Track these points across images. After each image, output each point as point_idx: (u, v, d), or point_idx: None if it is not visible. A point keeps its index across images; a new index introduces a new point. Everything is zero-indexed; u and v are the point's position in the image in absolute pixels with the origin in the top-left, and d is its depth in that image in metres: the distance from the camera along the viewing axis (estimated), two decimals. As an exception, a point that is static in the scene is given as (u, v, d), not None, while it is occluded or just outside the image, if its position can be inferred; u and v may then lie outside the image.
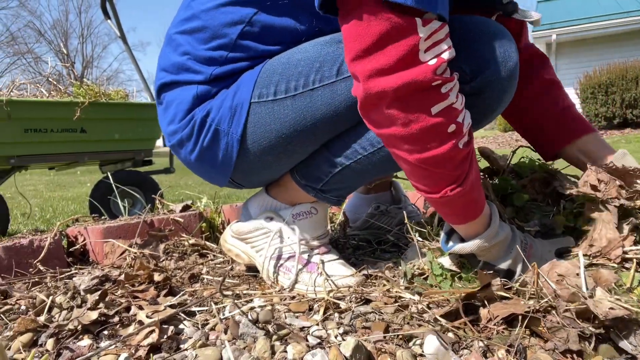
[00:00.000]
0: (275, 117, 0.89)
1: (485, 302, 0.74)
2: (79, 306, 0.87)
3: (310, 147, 0.94)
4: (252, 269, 1.13)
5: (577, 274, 0.77)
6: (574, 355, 0.62)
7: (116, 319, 0.82)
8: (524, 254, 0.86)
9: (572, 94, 10.59)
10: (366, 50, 0.69)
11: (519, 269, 0.87)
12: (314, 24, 0.89)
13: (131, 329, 0.78)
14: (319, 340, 0.71)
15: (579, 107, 10.18)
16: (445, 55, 0.69)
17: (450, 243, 0.88)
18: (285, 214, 1.03)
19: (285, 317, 0.80)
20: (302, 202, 1.03)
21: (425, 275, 0.92)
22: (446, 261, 0.90)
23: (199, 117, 0.93)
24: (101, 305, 0.85)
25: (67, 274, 1.18)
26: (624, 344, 0.63)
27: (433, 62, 0.68)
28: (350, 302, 0.85)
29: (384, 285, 0.93)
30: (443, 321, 0.73)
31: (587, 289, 0.73)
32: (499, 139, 9.63)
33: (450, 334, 0.69)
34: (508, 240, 0.86)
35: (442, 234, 0.92)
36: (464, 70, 0.79)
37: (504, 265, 0.86)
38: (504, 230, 0.86)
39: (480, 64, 0.80)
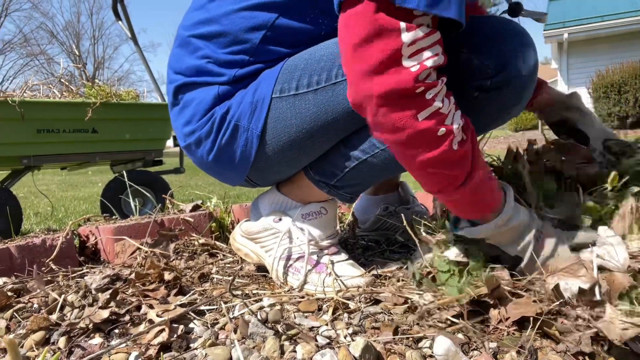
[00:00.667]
0: (296, 112, 0.89)
1: (497, 302, 0.73)
2: (91, 305, 0.87)
3: (328, 142, 0.94)
4: (261, 269, 1.13)
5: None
6: (586, 358, 0.62)
7: (127, 317, 0.82)
8: (536, 243, 0.84)
9: (585, 94, 10.47)
10: (352, 52, 0.69)
11: (526, 257, 0.84)
12: (334, 26, 0.90)
13: (142, 328, 0.78)
14: (328, 341, 0.71)
15: (591, 106, 10.07)
16: (429, 63, 0.69)
17: (462, 224, 0.88)
18: (295, 214, 1.03)
19: (295, 317, 0.80)
20: (313, 201, 1.03)
21: (432, 275, 0.91)
22: (452, 253, 0.89)
23: (218, 114, 0.93)
24: (112, 304, 0.85)
25: (78, 272, 1.19)
26: (638, 348, 0.62)
27: (415, 68, 0.68)
28: (360, 302, 0.85)
29: (393, 285, 0.93)
30: (457, 321, 0.72)
31: (600, 296, 0.71)
32: (510, 139, 9.56)
33: (460, 335, 0.69)
34: (521, 227, 0.84)
35: (452, 217, 0.91)
36: (488, 66, 0.82)
37: (512, 252, 0.85)
38: (518, 217, 0.84)
39: (504, 61, 0.82)
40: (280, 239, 1.02)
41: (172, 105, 1.03)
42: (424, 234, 0.97)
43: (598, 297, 0.68)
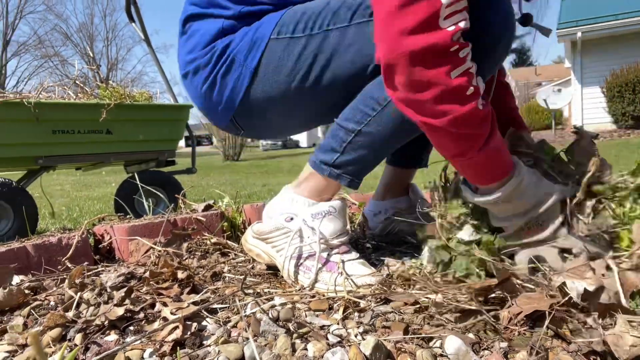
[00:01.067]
0: (288, 54, 0.94)
1: (507, 296, 0.73)
2: (106, 302, 0.89)
3: (315, 96, 0.98)
4: (272, 268, 1.14)
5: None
6: (598, 358, 0.61)
7: (141, 315, 0.84)
8: (529, 231, 0.89)
9: (598, 93, 10.33)
10: (391, 13, 0.73)
11: (508, 230, 0.91)
12: None
13: (156, 325, 0.80)
14: (339, 339, 0.71)
15: (605, 106, 9.93)
16: (462, 24, 0.73)
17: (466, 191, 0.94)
18: (305, 213, 1.04)
19: (306, 316, 0.81)
20: (323, 200, 1.05)
21: (445, 258, 0.93)
22: (465, 233, 0.92)
23: (220, 46, 0.98)
24: (127, 301, 0.87)
25: (94, 271, 1.21)
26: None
27: (452, 28, 0.72)
28: (370, 301, 0.85)
29: (404, 284, 0.93)
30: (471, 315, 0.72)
31: (607, 299, 0.70)
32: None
33: (470, 334, 0.69)
34: (519, 208, 0.89)
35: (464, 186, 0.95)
36: None
37: (495, 223, 0.92)
38: (522, 198, 0.88)
39: (477, 12, 0.85)
40: (291, 238, 1.03)
41: (180, 34, 1.08)
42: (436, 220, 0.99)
43: (605, 301, 0.67)
